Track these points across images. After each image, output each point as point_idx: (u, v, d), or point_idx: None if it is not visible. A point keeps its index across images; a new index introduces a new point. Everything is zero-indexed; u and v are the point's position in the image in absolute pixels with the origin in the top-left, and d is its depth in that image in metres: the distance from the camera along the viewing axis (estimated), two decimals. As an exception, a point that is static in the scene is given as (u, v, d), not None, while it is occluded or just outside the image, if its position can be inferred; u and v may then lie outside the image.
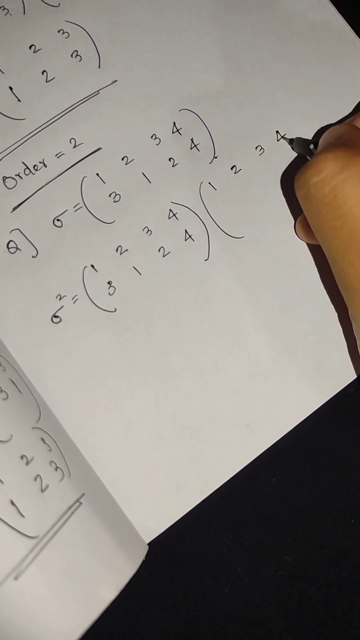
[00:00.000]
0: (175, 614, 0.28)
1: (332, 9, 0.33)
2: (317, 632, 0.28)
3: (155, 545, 0.28)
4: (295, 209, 0.31)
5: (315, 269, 0.31)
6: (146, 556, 0.27)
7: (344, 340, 0.30)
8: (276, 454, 0.29)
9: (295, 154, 0.32)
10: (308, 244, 0.31)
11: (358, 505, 0.29)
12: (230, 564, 0.29)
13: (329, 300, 0.31)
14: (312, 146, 0.30)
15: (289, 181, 0.32)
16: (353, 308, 0.26)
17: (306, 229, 0.30)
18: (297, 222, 0.30)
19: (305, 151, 0.31)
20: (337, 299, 0.30)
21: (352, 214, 0.24)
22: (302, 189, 0.25)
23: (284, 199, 0.31)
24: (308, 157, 0.31)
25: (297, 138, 0.31)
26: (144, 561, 0.27)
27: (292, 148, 0.32)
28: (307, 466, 0.30)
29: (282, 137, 0.32)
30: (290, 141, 0.32)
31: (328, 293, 0.31)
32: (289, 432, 0.29)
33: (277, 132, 0.32)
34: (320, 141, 0.27)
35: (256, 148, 0.32)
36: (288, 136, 0.32)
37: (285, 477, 0.29)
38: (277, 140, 0.32)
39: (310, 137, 0.32)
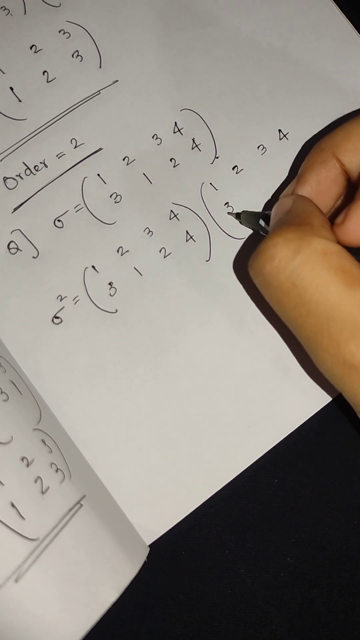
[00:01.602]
0: (177, 615, 0.28)
1: (334, 8, 0.33)
2: (320, 634, 0.28)
3: (157, 547, 0.28)
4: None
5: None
6: (148, 558, 0.27)
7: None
8: (278, 455, 0.29)
9: (299, 149, 0.31)
10: None
11: (361, 507, 0.29)
12: (233, 565, 0.29)
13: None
14: (261, 221, 0.28)
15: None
16: (344, 391, 0.24)
17: None
18: None
19: (255, 225, 0.29)
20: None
21: (315, 301, 0.22)
22: (257, 277, 0.24)
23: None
24: (261, 232, 0.29)
25: (244, 212, 0.30)
26: (145, 563, 0.27)
27: (240, 222, 0.30)
28: (309, 468, 0.29)
29: (229, 213, 0.30)
30: (237, 215, 0.30)
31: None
32: (291, 433, 0.29)
33: (227, 205, 0.31)
34: (271, 217, 0.26)
35: (258, 147, 0.32)
36: (235, 210, 0.30)
37: (287, 478, 0.29)
38: (279, 140, 0.32)
39: (311, 139, 0.32)
